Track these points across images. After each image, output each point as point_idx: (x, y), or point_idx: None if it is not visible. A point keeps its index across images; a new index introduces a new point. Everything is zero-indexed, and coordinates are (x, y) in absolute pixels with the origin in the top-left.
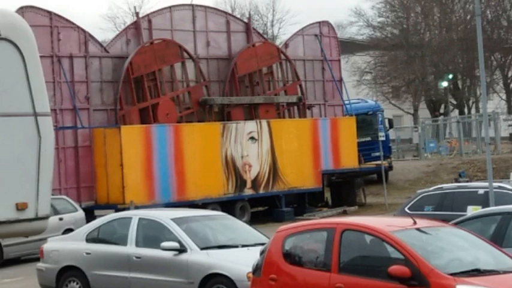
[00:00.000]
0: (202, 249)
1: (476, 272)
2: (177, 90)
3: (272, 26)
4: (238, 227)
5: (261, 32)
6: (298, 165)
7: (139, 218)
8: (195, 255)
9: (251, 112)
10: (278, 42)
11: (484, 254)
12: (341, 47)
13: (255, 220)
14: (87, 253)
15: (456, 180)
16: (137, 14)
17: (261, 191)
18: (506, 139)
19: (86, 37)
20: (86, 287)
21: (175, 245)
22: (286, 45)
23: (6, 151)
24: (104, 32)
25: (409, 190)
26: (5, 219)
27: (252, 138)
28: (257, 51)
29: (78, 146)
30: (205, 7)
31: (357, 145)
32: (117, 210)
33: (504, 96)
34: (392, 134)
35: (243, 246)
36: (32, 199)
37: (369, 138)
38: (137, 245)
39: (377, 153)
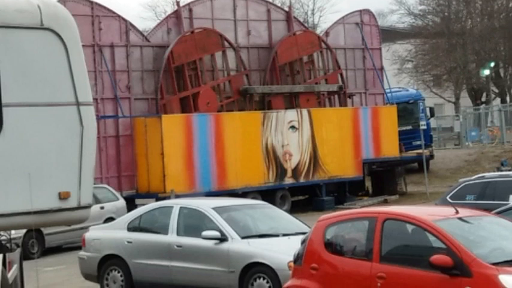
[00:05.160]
0: (243, 238)
1: None
2: (217, 79)
3: (313, 14)
4: (278, 216)
5: (301, 20)
6: (339, 154)
7: (181, 207)
8: (236, 244)
9: (292, 101)
10: (319, 30)
11: None
12: (382, 35)
13: (295, 209)
14: (129, 242)
15: (498, 169)
16: (178, 3)
17: (302, 179)
18: None
19: (127, 26)
20: (128, 275)
21: (216, 234)
22: (327, 33)
23: (49, 140)
24: (144, 21)
25: (450, 179)
26: (48, 208)
27: (292, 127)
28: (298, 39)
29: (119, 135)
30: None
31: (397, 134)
32: (158, 199)
33: None
34: (433, 122)
35: (284, 235)
36: (74, 188)
37: (410, 127)
38: (178, 233)
39: (418, 142)
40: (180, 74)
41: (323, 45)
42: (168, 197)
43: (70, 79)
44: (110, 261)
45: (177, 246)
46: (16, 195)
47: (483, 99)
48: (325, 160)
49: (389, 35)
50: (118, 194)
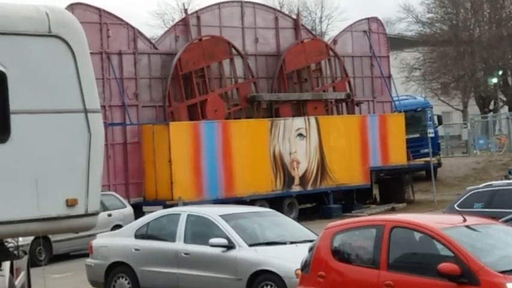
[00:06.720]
0: (250, 245)
1: None
2: (225, 86)
3: (321, 22)
4: (286, 224)
5: (309, 28)
6: (347, 162)
7: (188, 215)
8: (243, 252)
9: (299, 109)
10: (327, 38)
11: None
12: (390, 43)
13: (302, 217)
14: (136, 249)
15: (506, 177)
16: (186, 10)
17: (309, 187)
18: None
19: (135, 34)
20: (135, 283)
21: (224, 241)
22: (334, 41)
23: (57, 147)
24: (152, 28)
25: (458, 187)
26: (55, 215)
27: (300, 134)
28: (305, 47)
29: (127, 143)
30: (254, 3)
31: (405, 142)
32: (166, 206)
33: None
34: (441, 130)
35: (291, 243)
36: (82, 195)
37: (417, 135)
38: (186, 241)
39: (426, 150)
40: (188, 81)
41: (331, 53)
42: (176, 205)
43: (78, 86)
44: (117, 269)
45: (185, 253)
46: (23, 202)
47: (491, 107)
48: (332, 168)
49: (397, 43)
50: (125, 202)
